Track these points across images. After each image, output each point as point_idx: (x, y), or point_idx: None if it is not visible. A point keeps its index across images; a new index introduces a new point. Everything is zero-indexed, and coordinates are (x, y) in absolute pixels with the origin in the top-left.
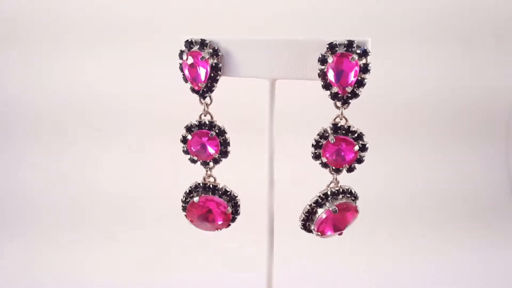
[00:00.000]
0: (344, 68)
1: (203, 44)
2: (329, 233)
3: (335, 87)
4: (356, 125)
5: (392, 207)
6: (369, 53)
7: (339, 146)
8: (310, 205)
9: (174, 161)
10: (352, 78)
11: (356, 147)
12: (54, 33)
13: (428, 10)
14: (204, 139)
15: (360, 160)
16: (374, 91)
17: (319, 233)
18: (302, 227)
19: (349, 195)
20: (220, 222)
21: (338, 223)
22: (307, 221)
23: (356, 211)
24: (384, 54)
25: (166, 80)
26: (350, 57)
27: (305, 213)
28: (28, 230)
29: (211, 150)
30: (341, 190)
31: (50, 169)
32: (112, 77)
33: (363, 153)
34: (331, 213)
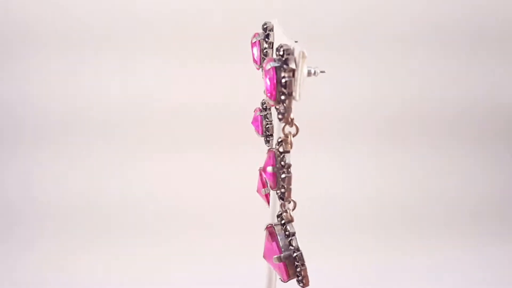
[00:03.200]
0: (264, 74)
1: (263, 27)
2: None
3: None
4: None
5: (392, 209)
6: (289, 66)
7: (266, 160)
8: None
9: (186, 166)
10: (265, 87)
11: (273, 169)
12: (70, 36)
13: (430, 14)
14: (255, 115)
15: (282, 191)
16: (375, 93)
17: None
18: None
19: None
20: None
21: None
22: None
23: (278, 266)
24: (384, 57)
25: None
26: (268, 63)
27: None
28: (42, 235)
29: (253, 126)
30: (281, 226)
31: (68, 174)
32: (129, 83)
33: (284, 184)
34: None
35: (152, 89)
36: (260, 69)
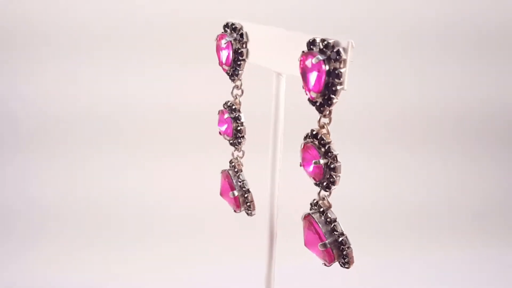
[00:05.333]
0: (306, 69)
1: (231, 28)
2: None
3: (305, 89)
4: (335, 138)
5: (393, 210)
6: (342, 56)
7: (304, 154)
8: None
9: (186, 166)
10: (312, 81)
11: (320, 162)
12: (70, 37)
13: (429, 17)
14: (221, 117)
15: (331, 181)
16: (377, 97)
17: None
18: None
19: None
20: None
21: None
22: None
23: (323, 252)
24: (385, 58)
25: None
26: (313, 58)
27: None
28: (45, 236)
29: (222, 129)
30: (323, 213)
31: (67, 175)
32: (128, 84)
33: (335, 173)
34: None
35: (152, 90)
36: (229, 70)
